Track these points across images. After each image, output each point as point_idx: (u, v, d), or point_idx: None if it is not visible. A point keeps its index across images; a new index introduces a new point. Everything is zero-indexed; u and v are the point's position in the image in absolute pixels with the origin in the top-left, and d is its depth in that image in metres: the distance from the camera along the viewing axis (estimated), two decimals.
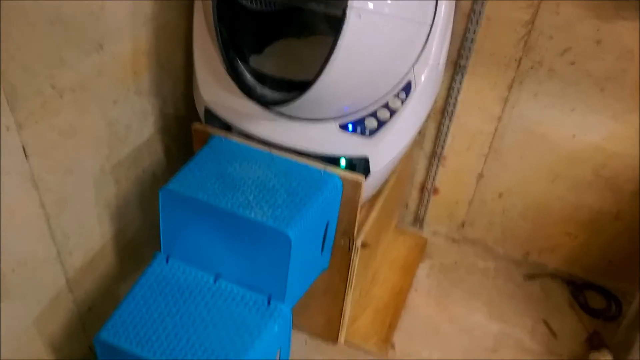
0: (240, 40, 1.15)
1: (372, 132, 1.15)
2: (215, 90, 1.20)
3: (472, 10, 1.41)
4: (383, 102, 1.13)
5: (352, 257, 1.27)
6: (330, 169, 1.15)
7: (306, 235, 1.08)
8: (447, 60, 1.48)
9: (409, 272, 1.75)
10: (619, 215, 1.61)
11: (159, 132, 1.32)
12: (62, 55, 0.97)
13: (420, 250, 1.83)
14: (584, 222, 1.66)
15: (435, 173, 1.76)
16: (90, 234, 1.20)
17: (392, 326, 1.57)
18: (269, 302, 1.07)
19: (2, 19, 0.83)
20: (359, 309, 1.57)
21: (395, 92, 1.12)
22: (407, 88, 1.12)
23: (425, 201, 1.84)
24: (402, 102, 1.13)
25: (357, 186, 1.15)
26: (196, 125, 1.25)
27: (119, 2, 1.07)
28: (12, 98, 0.89)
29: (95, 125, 1.11)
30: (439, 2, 1.08)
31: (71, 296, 1.18)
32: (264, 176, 1.13)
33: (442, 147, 1.69)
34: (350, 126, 1.15)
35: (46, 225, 1.05)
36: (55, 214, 1.06)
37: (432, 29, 1.09)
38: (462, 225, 1.85)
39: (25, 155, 0.95)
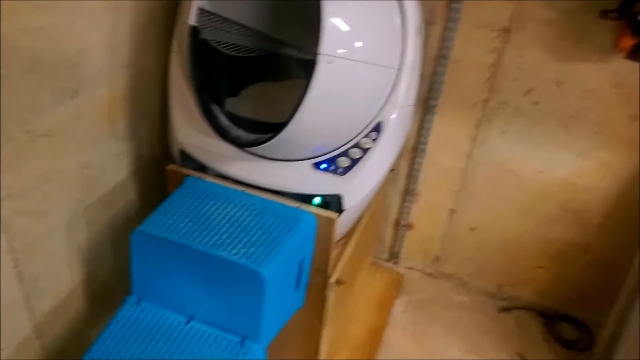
0: (215, 83, 1.17)
1: (345, 171, 1.17)
2: (191, 132, 1.21)
3: (440, 54, 1.47)
4: (355, 142, 1.16)
5: (327, 294, 1.27)
6: (304, 206, 1.17)
7: (280, 273, 1.08)
8: (418, 100, 1.54)
9: (385, 308, 1.76)
10: (587, 248, 1.66)
11: (133, 174, 1.32)
12: (37, 102, 0.97)
13: (396, 286, 1.85)
14: (554, 255, 1.70)
15: (409, 209, 1.79)
16: (60, 278, 1.18)
17: None
18: (242, 343, 1.06)
19: None
20: (336, 347, 1.56)
21: (367, 132, 1.15)
22: (378, 128, 1.15)
23: (400, 237, 1.87)
24: (374, 141, 1.16)
25: (331, 223, 1.16)
26: (171, 167, 1.26)
27: (96, 49, 1.09)
28: None
29: (69, 169, 1.11)
30: (406, 47, 1.12)
31: (39, 342, 1.15)
32: (238, 215, 1.14)
33: (415, 184, 1.73)
34: (323, 165, 1.18)
35: (14, 269, 1.03)
36: (24, 258, 1.05)
37: (400, 72, 1.13)
38: (437, 259, 1.88)
39: None
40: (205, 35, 1.13)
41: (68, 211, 1.15)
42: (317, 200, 1.19)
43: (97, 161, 1.19)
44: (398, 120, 1.17)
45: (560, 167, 1.55)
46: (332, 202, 1.18)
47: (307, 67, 0.98)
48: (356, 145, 1.16)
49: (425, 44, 1.46)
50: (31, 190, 1.02)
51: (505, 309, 1.81)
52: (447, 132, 1.61)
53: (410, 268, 1.93)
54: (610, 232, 1.60)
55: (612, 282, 1.58)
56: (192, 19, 1.06)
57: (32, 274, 1.08)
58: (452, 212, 1.75)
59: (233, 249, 1.05)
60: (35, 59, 0.94)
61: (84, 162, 1.15)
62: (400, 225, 1.84)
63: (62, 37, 0.99)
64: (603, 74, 1.37)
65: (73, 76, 1.05)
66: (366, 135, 1.16)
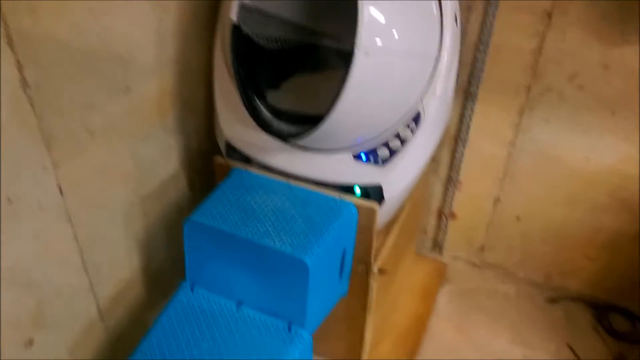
0: (257, 77, 1.21)
1: (385, 161, 1.19)
2: (235, 125, 1.26)
3: (480, 40, 1.46)
4: (394, 132, 1.18)
5: (370, 283, 1.30)
6: (346, 197, 1.19)
7: (324, 262, 1.11)
8: (458, 88, 1.54)
9: (429, 297, 1.77)
10: (637, 237, 1.61)
11: (183, 167, 1.39)
12: (93, 99, 1.04)
13: (440, 276, 1.85)
14: (603, 244, 1.66)
15: (452, 198, 1.79)
16: (120, 265, 1.26)
17: (413, 352, 1.58)
18: (289, 328, 1.10)
19: (41, 69, 0.91)
20: (380, 335, 1.58)
21: (406, 122, 1.17)
22: (417, 118, 1.17)
23: (443, 226, 1.87)
24: (413, 132, 1.17)
25: (372, 213, 1.18)
26: (218, 159, 1.31)
27: (144, 47, 1.15)
28: (48, 140, 0.96)
29: (124, 162, 1.18)
30: (444, 35, 1.13)
31: (102, 325, 1.23)
32: (282, 206, 1.18)
33: (458, 173, 1.72)
34: (363, 156, 1.20)
35: (79, 258, 1.11)
36: (87, 247, 1.12)
37: (438, 61, 1.14)
38: (482, 249, 1.86)
39: (61, 193, 1.02)
40: (247, 30, 1.16)
41: (125, 202, 1.22)
42: (358, 190, 1.21)
43: (149, 154, 1.26)
44: (437, 109, 1.18)
45: (607, 153, 1.51)
46: (373, 193, 1.20)
47: (346, 58, 1.00)
48: (395, 136, 1.18)
49: (464, 30, 1.46)
50: (91, 182, 1.10)
51: (553, 300, 1.78)
52: (489, 120, 1.59)
53: (454, 257, 1.93)
54: None
55: None
56: (234, 16, 1.10)
57: (95, 262, 1.16)
58: (496, 200, 1.74)
59: (278, 238, 1.09)
60: (89, 59, 1.01)
61: (137, 155, 1.22)
62: (444, 215, 1.84)
63: (113, 37, 1.06)
64: None
65: (125, 73, 1.11)
66: (405, 126, 1.17)
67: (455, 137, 1.66)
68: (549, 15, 1.38)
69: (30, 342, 1.04)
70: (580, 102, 1.46)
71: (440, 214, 1.85)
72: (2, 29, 0.83)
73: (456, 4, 1.16)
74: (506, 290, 1.83)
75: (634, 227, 1.59)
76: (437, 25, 1.12)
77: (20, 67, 0.87)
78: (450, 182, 1.75)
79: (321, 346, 1.48)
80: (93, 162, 1.09)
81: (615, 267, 1.69)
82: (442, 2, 1.11)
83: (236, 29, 1.11)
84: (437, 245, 1.92)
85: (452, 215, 1.84)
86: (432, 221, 1.88)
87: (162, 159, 1.31)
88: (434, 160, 1.71)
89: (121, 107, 1.13)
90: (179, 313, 1.13)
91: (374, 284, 1.30)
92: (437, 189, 1.80)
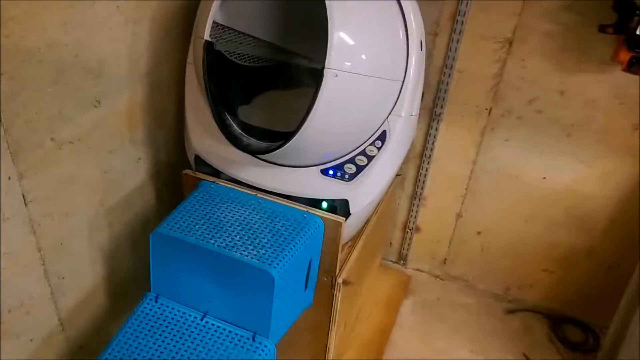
0: (228, 92, 1.23)
1: (352, 177, 1.23)
2: (205, 139, 1.28)
3: (445, 64, 1.52)
4: (361, 149, 1.21)
5: (334, 294, 1.32)
6: (313, 210, 1.22)
7: (289, 273, 1.13)
8: (424, 108, 1.59)
9: (393, 308, 1.80)
10: (592, 252, 1.68)
11: (151, 178, 1.40)
12: (62, 111, 1.05)
13: (404, 287, 1.89)
14: (559, 259, 1.74)
15: (417, 213, 1.84)
16: (83, 275, 1.25)
17: None
18: (253, 339, 1.11)
19: (11, 80, 0.91)
20: (344, 346, 1.61)
21: (372, 140, 1.20)
22: (383, 137, 1.20)
23: (408, 239, 1.91)
24: (379, 150, 1.21)
25: (338, 226, 1.21)
26: (186, 172, 1.32)
27: (117, 61, 1.16)
28: (15, 151, 0.96)
29: (91, 173, 1.19)
30: (409, 60, 1.17)
31: (63, 335, 1.22)
32: (249, 218, 1.20)
33: (422, 189, 1.77)
34: (331, 171, 1.23)
35: (42, 267, 1.11)
36: (50, 257, 1.12)
37: (404, 84, 1.18)
38: (444, 262, 1.92)
39: (25, 203, 1.02)
40: (219, 47, 1.19)
41: (90, 213, 1.22)
42: (324, 204, 1.24)
43: (117, 166, 1.26)
44: (402, 129, 1.22)
45: (564, 174, 1.58)
46: (339, 207, 1.23)
47: (316, 77, 1.03)
48: (362, 153, 1.21)
49: (430, 55, 1.52)
50: (57, 193, 1.10)
51: (511, 311, 1.85)
52: (452, 139, 1.65)
53: (418, 270, 1.98)
54: (614, 237, 1.62)
55: (617, 286, 1.60)
56: (206, 34, 1.12)
57: (58, 272, 1.16)
58: (459, 216, 1.79)
59: (244, 250, 1.11)
60: (61, 72, 1.02)
61: (105, 166, 1.22)
62: (408, 229, 1.89)
63: (86, 51, 1.06)
64: (604, 85, 1.40)
65: (96, 86, 1.12)
66: (371, 144, 1.21)
67: (421, 155, 1.71)
68: (511, 42, 1.44)
69: None
70: (538, 124, 1.53)
71: (405, 228, 1.90)
72: None
73: (422, 31, 1.20)
74: (467, 301, 1.88)
75: (588, 243, 1.67)
76: (403, 50, 1.16)
77: None
78: (415, 197, 1.80)
79: (286, 356, 1.49)
80: (59, 173, 1.09)
81: (570, 281, 1.76)
82: (409, 28, 1.15)
83: (208, 46, 1.13)
84: (402, 258, 1.97)
85: (417, 229, 1.89)
86: (397, 234, 1.93)
87: (130, 170, 1.32)
88: (400, 175, 1.76)
89: (91, 119, 1.13)
90: (142, 323, 1.13)
91: (339, 295, 1.33)
92: (403, 203, 1.84)
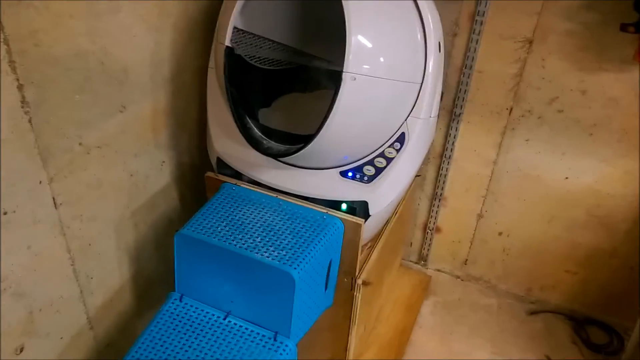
0: (249, 95, 1.26)
1: (371, 179, 1.24)
2: (227, 142, 1.30)
3: (464, 64, 1.51)
4: (380, 152, 1.22)
5: (354, 295, 1.33)
6: (332, 212, 1.23)
7: (309, 275, 1.15)
8: (444, 109, 1.59)
9: (413, 309, 1.81)
10: (614, 253, 1.66)
11: (174, 181, 1.43)
12: (89, 117, 1.08)
13: (424, 288, 1.89)
14: (581, 259, 1.72)
15: (437, 213, 1.83)
16: (110, 275, 1.29)
17: None
18: (275, 338, 1.13)
19: (40, 88, 0.95)
20: (364, 346, 1.62)
21: (391, 142, 1.21)
22: (402, 139, 1.21)
23: (428, 240, 1.91)
24: (397, 152, 1.22)
25: (357, 228, 1.22)
26: (209, 174, 1.35)
27: (140, 67, 1.19)
28: (45, 156, 1.00)
29: (118, 176, 1.22)
30: (427, 62, 1.18)
31: (92, 333, 1.26)
32: (270, 220, 1.22)
33: (442, 189, 1.77)
34: (350, 173, 1.24)
35: (71, 268, 1.15)
36: (79, 258, 1.16)
37: (422, 86, 1.18)
38: (465, 262, 1.91)
39: (55, 206, 1.06)
40: (239, 51, 1.21)
41: (117, 215, 1.25)
42: (344, 206, 1.26)
43: (142, 169, 1.30)
44: (421, 131, 1.22)
45: (585, 174, 1.57)
46: (359, 208, 1.24)
47: (335, 79, 1.04)
48: (381, 155, 1.22)
49: (450, 55, 1.52)
50: (85, 196, 1.13)
51: (533, 312, 1.83)
52: (472, 140, 1.65)
53: (438, 270, 1.98)
54: (637, 237, 1.60)
55: None
56: (227, 40, 1.15)
57: (86, 272, 1.19)
58: (479, 216, 1.79)
59: (266, 251, 1.13)
60: (88, 79, 1.05)
61: (131, 170, 1.26)
62: (429, 229, 1.89)
63: (111, 58, 1.10)
64: (625, 84, 1.39)
65: (120, 93, 1.16)
66: (390, 145, 1.22)
67: (441, 155, 1.71)
68: (530, 42, 1.43)
69: (20, 349, 1.06)
70: (559, 124, 1.52)
71: (425, 228, 1.90)
72: (4, 51, 0.86)
73: (440, 32, 1.21)
74: (488, 302, 1.87)
75: (610, 243, 1.65)
76: (421, 53, 1.17)
77: (20, 87, 0.91)
78: (436, 197, 1.80)
79: (306, 355, 1.51)
80: (87, 176, 1.12)
81: (592, 282, 1.75)
82: (426, 30, 1.16)
83: (229, 51, 1.15)
84: (422, 258, 1.97)
85: (437, 230, 1.89)
86: (417, 235, 1.93)
87: (154, 173, 1.35)
88: (419, 176, 1.76)
89: (116, 124, 1.16)
90: (167, 322, 1.16)
91: (359, 295, 1.34)
92: (423, 204, 1.85)
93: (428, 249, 1.94)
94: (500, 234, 1.79)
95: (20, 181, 0.96)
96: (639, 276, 1.62)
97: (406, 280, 1.90)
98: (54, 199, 1.05)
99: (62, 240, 1.10)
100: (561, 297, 1.82)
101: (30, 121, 0.94)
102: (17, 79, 0.90)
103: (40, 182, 1.01)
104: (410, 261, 2.00)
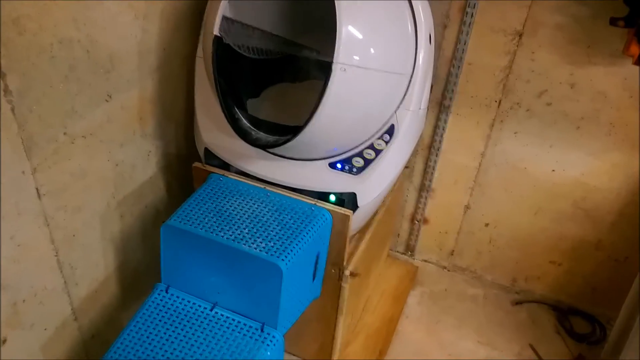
0: (238, 86, 1.24)
1: (359, 171, 1.24)
2: (214, 132, 1.29)
3: (454, 56, 1.51)
4: (369, 143, 1.22)
5: (342, 286, 1.34)
6: (321, 203, 1.23)
7: (297, 266, 1.15)
8: (433, 100, 1.59)
9: (400, 299, 1.82)
10: (599, 245, 1.68)
11: (161, 171, 1.41)
12: (74, 106, 1.06)
13: (412, 278, 1.90)
14: (567, 251, 1.74)
15: (425, 205, 1.84)
16: (95, 266, 1.27)
17: (382, 352, 1.63)
18: (262, 329, 1.13)
19: (24, 77, 0.93)
20: (351, 335, 1.63)
21: (380, 134, 1.21)
22: (391, 131, 1.21)
23: (416, 231, 1.92)
24: (386, 143, 1.22)
25: (346, 219, 1.23)
26: (196, 164, 1.34)
27: (127, 56, 1.17)
28: (28, 146, 0.98)
29: (103, 166, 1.20)
30: (418, 54, 1.17)
31: (76, 324, 1.25)
32: (258, 211, 1.21)
33: (430, 181, 1.78)
34: (339, 165, 1.24)
35: (55, 259, 1.13)
36: (63, 249, 1.14)
37: (413, 78, 1.18)
38: (452, 253, 1.93)
39: (39, 196, 1.04)
40: (228, 40, 1.19)
41: (102, 205, 1.24)
42: (332, 197, 1.25)
43: (128, 159, 1.28)
44: (410, 123, 1.22)
45: (572, 166, 1.58)
46: (347, 200, 1.25)
47: (325, 69, 1.04)
48: (370, 147, 1.22)
49: (440, 47, 1.51)
50: (69, 186, 1.12)
51: (518, 302, 1.85)
52: (461, 132, 1.65)
53: (425, 261, 1.99)
54: (622, 230, 1.62)
55: (624, 279, 1.61)
56: (216, 29, 1.13)
57: (71, 263, 1.18)
58: (467, 208, 1.80)
59: (253, 242, 1.12)
60: (72, 68, 1.03)
61: (116, 160, 1.24)
62: (416, 220, 1.89)
63: (97, 46, 1.07)
64: (614, 78, 1.39)
65: (106, 82, 1.13)
66: (379, 137, 1.21)
67: (429, 147, 1.71)
68: (520, 35, 1.43)
69: (3, 341, 1.05)
70: (547, 117, 1.52)
71: (413, 219, 1.90)
72: None
73: (431, 24, 1.20)
74: (474, 293, 1.89)
75: (595, 236, 1.67)
76: (412, 44, 1.16)
77: (3, 76, 0.89)
78: (424, 189, 1.80)
79: (294, 346, 1.53)
80: (72, 166, 1.11)
81: (577, 273, 1.77)
82: (417, 21, 1.15)
83: (218, 41, 1.14)
84: (410, 249, 1.98)
85: (425, 221, 1.89)
86: (405, 226, 1.94)
87: (140, 163, 1.33)
88: (408, 167, 1.76)
89: (102, 113, 1.15)
90: (153, 314, 1.15)
91: (346, 286, 1.34)
92: (411, 195, 1.85)
93: (415, 240, 1.94)
94: (487, 225, 1.80)
95: (4, 172, 0.95)
96: (625, 268, 1.64)
97: (393, 271, 1.91)
98: (37, 189, 1.03)
99: (46, 230, 1.09)
100: (546, 287, 1.84)
101: (13, 110, 0.92)
102: (0, 67, 0.88)
103: (24, 172, 0.99)
104: (398, 252, 2.01)
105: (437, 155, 1.71)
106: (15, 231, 1.01)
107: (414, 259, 1.99)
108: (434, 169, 1.74)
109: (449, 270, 1.96)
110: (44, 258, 1.11)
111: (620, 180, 1.54)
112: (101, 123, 1.15)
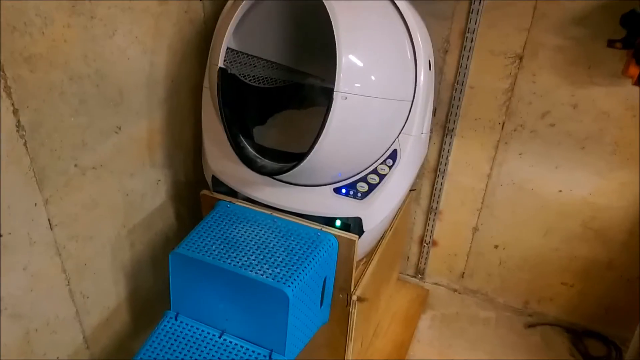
0: (243, 115, 1.27)
1: (364, 195, 1.25)
2: (222, 160, 1.31)
3: (456, 80, 1.53)
4: (372, 168, 1.23)
5: (350, 311, 1.34)
6: (327, 229, 1.24)
7: (303, 291, 1.15)
8: (437, 123, 1.61)
9: (411, 323, 1.81)
10: (611, 265, 1.67)
11: (170, 199, 1.44)
12: (84, 139, 1.10)
13: (422, 302, 1.89)
14: (578, 272, 1.72)
15: (433, 227, 1.84)
16: (106, 295, 1.29)
17: None
18: (270, 356, 1.13)
19: (35, 112, 0.96)
20: None
21: (383, 159, 1.23)
22: (394, 156, 1.23)
23: (425, 254, 1.92)
24: (390, 168, 1.23)
25: (352, 244, 1.23)
26: (204, 192, 1.36)
27: (135, 89, 1.21)
28: (40, 178, 1.01)
29: (113, 196, 1.23)
30: (418, 81, 1.19)
31: (88, 352, 1.27)
32: (265, 237, 1.22)
33: (438, 203, 1.78)
34: (343, 190, 1.25)
35: (67, 288, 1.15)
36: (75, 278, 1.17)
37: (413, 104, 1.20)
38: (462, 276, 1.92)
39: (50, 227, 1.07)
40: (234, 70, 1.23)
41: (113, 234, 1.26)
42: (338, 222, 1.26)
43: (138, 188, 1.31)
44: (412, 148, 1.23)
45: (579, 186, 1.57)
46: (353, 224, 1.25)
47: (327, 97, 1.06)
48: (373, 172, 1.24)
49: (441, 71, 1.54)
50: (80, 216, 1.14)
51: (531, 325, 1.83)
52: (466, 154, 1.66)
53: (436, 284, 1.98)
54: (633, 249, 1.60)
55: (638, 298, 1.58)
56: (220, 61, 1.16)
57: (82, 292, 1.20)
58: (475, 229, 1.79)
59: (260, 269, 1.13)
60: (83, 102, 1.07)
61: (126, 189, 1.27)
62: (425, 243, 1.89)
63: (106, 81, 1.11)
64: (616, 98, 1.40)
65: (116, 114, 1.17)
66: (383, 162, 1.23)
67: (435, 170, 1.72)
68: (520, 58, 1.45)
69: None
70: (552, 138, 1.53)
71: (422, 242, 1.90)
72: (0, 78, 0.88)
73: (430, 50, 1.22)
74: (486, 315, 1.87)
75: (607, 255, 1.66)
76: (411, 71, 1.18)
77: (15, 112, 0.92)
78: (431, 211, 1.81)
79: None
80: (83, 197, 1.14)
81: (590, 294, 1.74)
82: (416, 48, 1.18)
83: (222, 72, 1.17)
84: (419, 272, 1.97)
85: (434, 243, 1.89)
86: (414, 248, 1.94)
87: (150, 192, 1.36)
88: (415, 190, 1.77)
89: (112, 145, 1.18)
90: (163, 341, 1.16)
91: (354, 311, 1.34)
92: (419, 217, 1.85)
93: (425, 263, 1.94)
94: (496, 246, 1.79)
95: (16, 204, 0.98)
96: (637, 288, 1.62)
97: (404, 294, 1.90)
98: (49, 220, 1.06)
99: (58, 260, 1.11)
100: (558, 309, 1.82)
101: (25, 145, 0.96)
102: (13, 104, 0.92)
103: (36, 204, 1.02)
104: (408, 275, 2.00)
105: (443, 178, 1.72)
106: (28, 261, 1.04)
107: (424, 282, 1.98)
108: (440, 191, 1.75)
109: (459, 293, 1.95)
110: (56, 287, 1.13)
111: (629, 198, 1.53)
112: (111, 154, 1.18)
